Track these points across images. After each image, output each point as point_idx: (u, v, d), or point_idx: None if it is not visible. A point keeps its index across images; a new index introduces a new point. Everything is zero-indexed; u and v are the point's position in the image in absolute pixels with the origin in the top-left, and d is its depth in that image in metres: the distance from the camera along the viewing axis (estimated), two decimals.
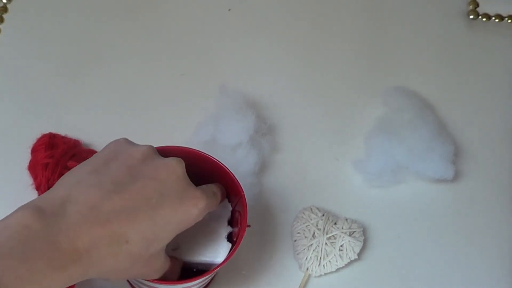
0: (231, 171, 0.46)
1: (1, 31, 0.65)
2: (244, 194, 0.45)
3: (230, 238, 0.46)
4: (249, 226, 0.46)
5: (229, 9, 0.66)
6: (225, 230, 0.46)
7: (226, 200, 0.47)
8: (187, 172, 0.40)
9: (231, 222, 0.47)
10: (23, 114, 0.60)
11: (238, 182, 0.46)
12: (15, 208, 0.35)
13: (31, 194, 0.51)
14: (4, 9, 0.66)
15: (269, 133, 0.58)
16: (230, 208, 0.47)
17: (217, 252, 0.45)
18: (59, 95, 0.61)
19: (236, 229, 0.46)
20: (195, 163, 0.44)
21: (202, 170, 0.45)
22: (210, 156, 0.46)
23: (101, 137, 0.52)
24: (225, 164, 0.46)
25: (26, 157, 0.54)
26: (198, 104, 0.59)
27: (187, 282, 0.42)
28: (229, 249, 0.45)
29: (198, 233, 0.45)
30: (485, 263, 0.53)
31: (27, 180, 0.53)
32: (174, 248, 0.45)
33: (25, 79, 0.62)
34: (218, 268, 0.43)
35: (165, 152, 0.42)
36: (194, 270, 0.46)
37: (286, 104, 0.60)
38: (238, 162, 0.54)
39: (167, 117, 0.59)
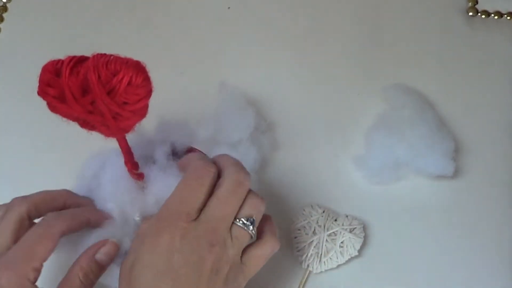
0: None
1: (1, 30, 0.65)
2: None
3: None
4: None
5: (229, 7, 0.66)
6: None
7: None
8: None
9: None
10: (23, 113, 0.60)
11: None
12: None
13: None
14: (4, 8, 0.66)
15: (269, 130, 0.58)
16: None
17: None
18: None
19: None
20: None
21: None
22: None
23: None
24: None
25: (26, 155, 0.54)
26: (197, 101, 0.59)
27: None
28: None
29: None
30: (485, 259, 0.53)
31: (25, 178, 0.53)
32: None
33: (25, 78, 0.62)
34: None
35: None
36: None
37: (286, 101, 0.60)
38: (238, 159, 0.54)
39: (167, 114, 0.59)
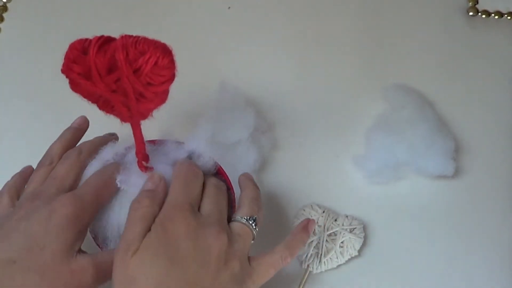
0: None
1: (1, 30, 0.65)
2: (232, 187, 0.47)
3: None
4: None
5: (229, 7, 0.66)
6: None
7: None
8: None
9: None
10: (23, 112, 0.60)
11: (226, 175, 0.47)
12: None
13: None
14: (4, 8, 0.66)
15: (269, 130, 0.58)
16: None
17: None
18: (60, 94, 0.60)
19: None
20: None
21: None
22: None
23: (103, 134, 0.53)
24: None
25: (26, 155, 0.54)
26: (197, 101, 0.59)
27: None
28: None
29: None
30: (485, 259, 0.53)
31: None
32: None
33: (25, 77, 0.62)
34: None
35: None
36: None
37: (286, 101, 0.60)
38: (237, 159, 0.54)
39: (166, 114, 0.59)
